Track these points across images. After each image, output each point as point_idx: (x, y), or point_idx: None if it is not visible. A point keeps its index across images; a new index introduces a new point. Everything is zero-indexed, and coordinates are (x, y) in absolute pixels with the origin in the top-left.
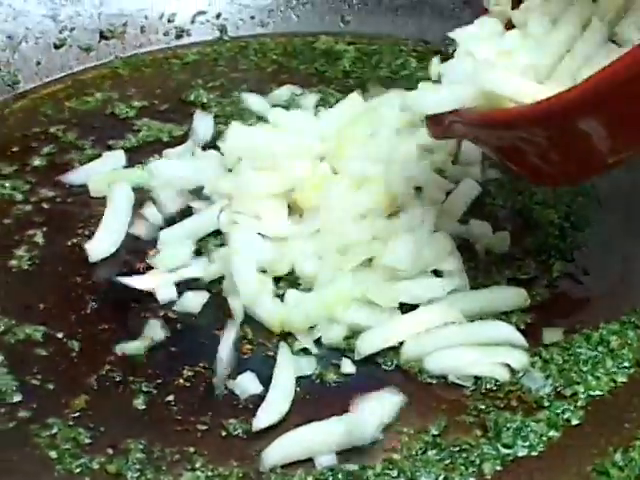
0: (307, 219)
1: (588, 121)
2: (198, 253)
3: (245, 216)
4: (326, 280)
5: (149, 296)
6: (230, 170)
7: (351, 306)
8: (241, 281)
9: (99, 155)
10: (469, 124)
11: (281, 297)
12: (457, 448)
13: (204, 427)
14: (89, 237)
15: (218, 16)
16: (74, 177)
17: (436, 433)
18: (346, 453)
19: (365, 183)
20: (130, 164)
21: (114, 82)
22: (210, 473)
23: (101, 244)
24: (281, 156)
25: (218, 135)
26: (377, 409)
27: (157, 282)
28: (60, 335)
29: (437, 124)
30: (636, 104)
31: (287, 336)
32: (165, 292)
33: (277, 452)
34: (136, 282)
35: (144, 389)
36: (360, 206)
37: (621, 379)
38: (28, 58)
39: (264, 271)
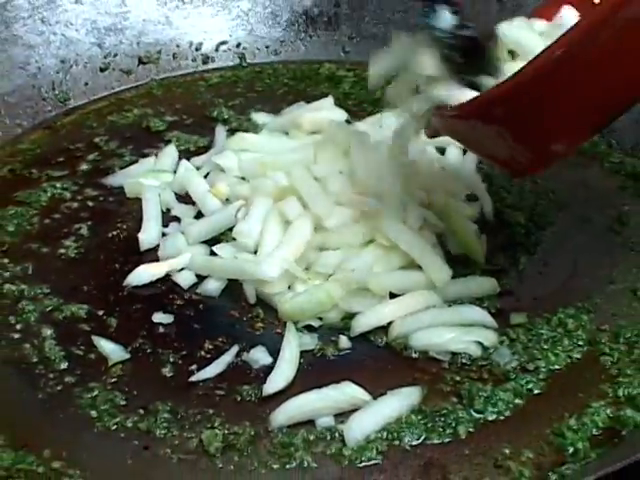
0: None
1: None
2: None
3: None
4: (329, 272)
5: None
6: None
7: (349, 293)
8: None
9: (136, 161)
10: (443, 118)
11: (290, 286)
12: (436, 413)
13: (221, 392)
14: (127, 230)
15: (238, 45)
16: (114, 180)
17: (418, 400)
18: (342, 415)
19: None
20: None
21: (149, 100)
22: (226, 431)
23: (150, 236)
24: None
25: None
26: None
27: (174, 269)
28: (101, 313)
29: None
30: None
31: None
32: (184, 278)
33: (283, 414)
34: (153, 270)
35: (171, 359)
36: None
37: (576, 356)
38: (77, 79)
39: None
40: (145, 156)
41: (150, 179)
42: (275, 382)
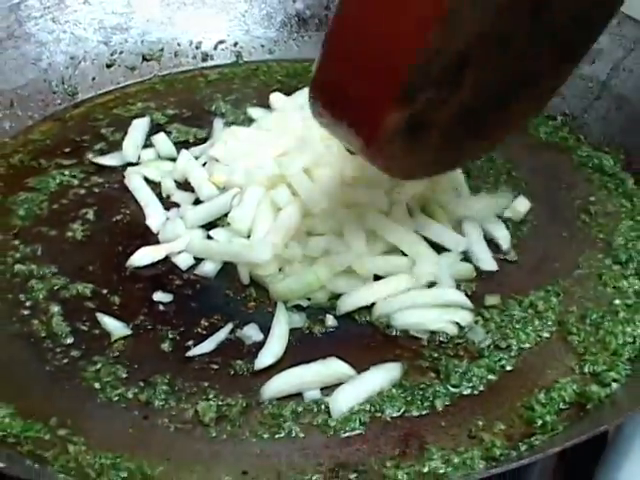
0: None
1: None
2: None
3: (251, 200)
4: (317, 255)
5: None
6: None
7: (335, 275)
8: (248, 255)
9: None
10: None
11: (280, 269)
12: (415, 387)
13: (216, 366)
14: (130, 215)
15: (235, 44)
16: (112, 160)
17: (399, 375)
18: (328, 389)
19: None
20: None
21: (152, 95)
22: (220, 403)
23: (155, 219)
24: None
25: None
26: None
27: (173, 252)
28: (105, 292)
29: None
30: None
31: None
32: (183, 260)
33: (273, 387)
34: (154, 252)
35: (170, 335)
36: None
37: (545, 335)
38: (85, 75)
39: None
40: (148, 146)
41: (151, 168)
42: (266, 357)
